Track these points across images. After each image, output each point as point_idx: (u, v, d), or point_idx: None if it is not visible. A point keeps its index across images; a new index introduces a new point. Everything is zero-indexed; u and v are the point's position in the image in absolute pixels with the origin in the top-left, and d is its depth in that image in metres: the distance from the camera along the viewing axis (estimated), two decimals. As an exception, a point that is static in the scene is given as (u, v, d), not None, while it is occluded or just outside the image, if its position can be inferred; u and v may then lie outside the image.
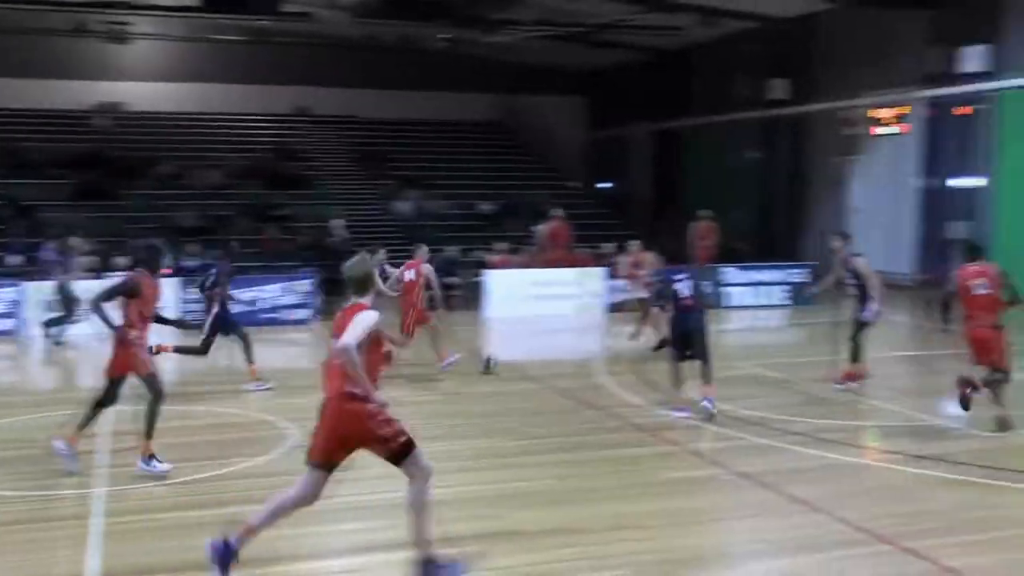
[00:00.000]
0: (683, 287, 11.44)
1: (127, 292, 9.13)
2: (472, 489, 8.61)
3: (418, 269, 14.15)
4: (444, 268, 20.09)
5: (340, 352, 6.26)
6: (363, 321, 6.37)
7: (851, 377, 13.12)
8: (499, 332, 19.17)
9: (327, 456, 6.43)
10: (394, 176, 32.00)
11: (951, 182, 24.84)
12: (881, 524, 7.60)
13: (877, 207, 27.32)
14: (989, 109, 23.88)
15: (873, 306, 12.88)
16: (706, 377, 11.26)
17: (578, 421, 11.44)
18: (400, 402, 12.30)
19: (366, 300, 6.59)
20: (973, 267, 10.96)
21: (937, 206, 25.31)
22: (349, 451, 6.49)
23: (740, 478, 9.00)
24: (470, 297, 21.90)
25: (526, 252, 24.54)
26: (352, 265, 6.77)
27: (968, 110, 24.36)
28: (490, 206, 30.62)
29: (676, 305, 11.48)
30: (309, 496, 6.48)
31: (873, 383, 13.63)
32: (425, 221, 28.01)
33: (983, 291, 10.69)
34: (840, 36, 28.33)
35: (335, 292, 15.70)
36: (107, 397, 9.14)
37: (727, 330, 18.68)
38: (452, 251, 24.89)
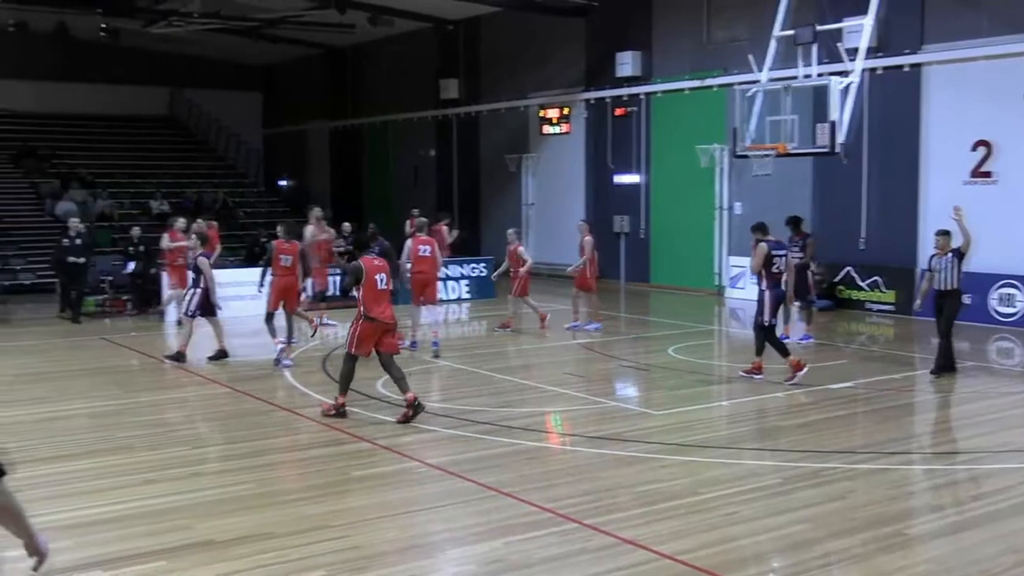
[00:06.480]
0: None
1: None
2: (159, 501, 8.22)
3: None
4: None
5: None
6: None
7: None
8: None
9: None
10: (56, 174, 29.95)
11: (615, 178, 26.56)
12: (564, 504, 8.06)
13: (548, 202, 28.75)
14: (641, 111, 25.78)
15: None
16: None
17: (268, 424, 11.24)
18: (73, 415, 11.63)
19: None
20: None
21: (602, 200, 27.00)
22: None
23: (431, 470, 9.22)
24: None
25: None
26: None
27: (623, 111, 26.17)
28: (161, 204, 29.26)
29: None
30: None
31: (549, 370, 14.41)
32: (91, 222, 26.36)
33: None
34: (505, 39, 29.54)
35: None
36: None
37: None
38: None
